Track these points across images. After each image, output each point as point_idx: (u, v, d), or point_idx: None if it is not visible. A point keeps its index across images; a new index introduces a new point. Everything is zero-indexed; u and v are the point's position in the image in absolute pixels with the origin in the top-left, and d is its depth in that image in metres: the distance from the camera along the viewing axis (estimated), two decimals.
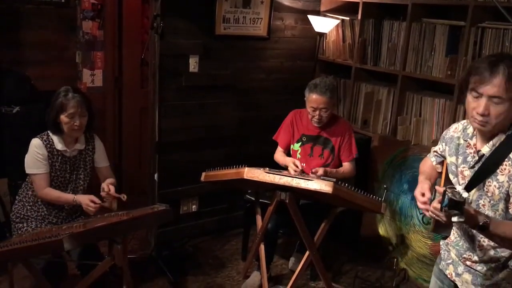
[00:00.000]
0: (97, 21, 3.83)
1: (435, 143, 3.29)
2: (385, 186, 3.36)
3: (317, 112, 3.09)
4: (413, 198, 3.27)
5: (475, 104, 1.67)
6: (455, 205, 1.51)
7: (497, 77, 1.61)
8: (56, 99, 2.59)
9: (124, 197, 2.60)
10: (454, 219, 1.52)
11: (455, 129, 1.91)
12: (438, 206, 1.58)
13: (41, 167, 2.60)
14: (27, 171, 2.62)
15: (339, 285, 3.36)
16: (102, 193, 2.60)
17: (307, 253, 2.94)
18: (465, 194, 1.54)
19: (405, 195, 3.42)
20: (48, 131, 2.65)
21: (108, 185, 2.63)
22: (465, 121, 1.90)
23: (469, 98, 1.70)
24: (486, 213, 1.71)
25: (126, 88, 4.17)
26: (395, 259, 3.45)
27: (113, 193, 2.60)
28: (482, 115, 1.65)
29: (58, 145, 2.63)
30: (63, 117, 2.57)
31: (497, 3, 1.53)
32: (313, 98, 3.07)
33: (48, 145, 2.62)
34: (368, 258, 3.66)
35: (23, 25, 3.47)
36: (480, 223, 1.60)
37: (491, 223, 1.61)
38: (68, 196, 2.62)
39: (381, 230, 3.62)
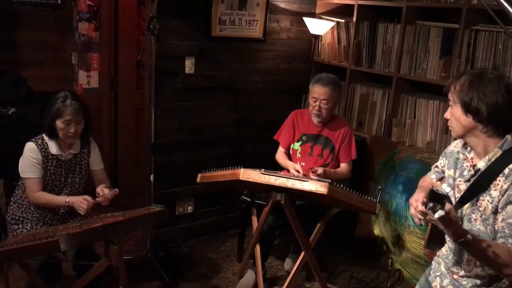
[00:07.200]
0: (93, 23, 3.84)
1: (429, 144, 3.33)
2: (379, 187, 3.38)
3: (317, 103, 3.12)
4: (408, 199, 3.30)
5: None
6: (436, 197, 1.53)
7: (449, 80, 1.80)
8: (54, 104, 2.58)
9: (116, 191, 2.64)
10: (436, 214, 1.52)
11: (456, 144, 1.93)
12: (423, 209, 1.60)
13: (35, 172, 2.59)
14: (21, 174, 2.62)
15: (334, 285, 3.37)
16: (98, 199, 2.61)
17: (302, 254, 2.96)
18: (447, 189, 1.66)
19: (399, 196, 3.45)
20: (43, 135, 2.64)
21: (102, 189, 2.64)
22: None
23: None
24: (477, 228, 1.72)
25: (122, 89, 4.17)
26: (390, 260, 3.47)
27: (108, 195, 2.61)
28: (445, 118, 1.80)
29: (53, 149, 2.63)
30: (59, 123, 2.56)
31: (487, 6, 1.55)
32: (315, 89, 3.13)
33: (43, 149, 2.61)
34: (363, 258, 3.67)
35: (19, 26, 3.48)
36: (463, 238, 1.61)
37: (473, 240, 1.62)
38: (61, 198, 2.61)
39: (376, 231, 3.64)
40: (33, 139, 2.63)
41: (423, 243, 3.26)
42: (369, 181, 3.67)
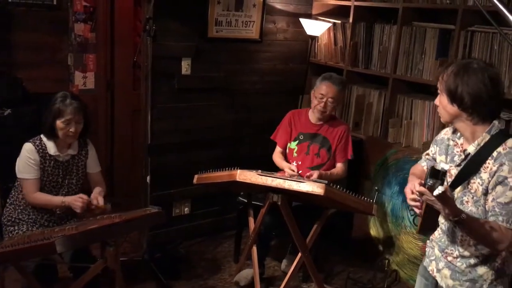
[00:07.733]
0: (89, 24, 3.82)
1: (425, 145, 3.33)
2: (376, 187, 3.38)
3: (324, 100, 3.15)
4: (404, 200, 3.31)
5: None
6: (436, 173, 1.59)
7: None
8: (53, 104, 2.58)
9: (109, 207, 2.65)
10: (436, 191, 1.57)
11: (446, 132, 2.01)
12: (422, 188, 1.65)
13: (32, 172, 2.59)
14: (18, 175, 2.62)
15: (331, 286, 3.38)
16: (92, 207, 2.60)
17: (299, 254, 2.96)
18: (446, 167, 1.72)
19: (396, 196, 3.45)
20: (41, 135, 2.64)
21: (97, 198, 2.63)
22: None
23: None
24: (469, 209, 1.79)
25: (118, 90, 4.16)
26: (387, 261, 3.48)
27: (102, 206, 2.61)
28: (436, 105, 1.89)
29: (51, 149, 2.62)
30: (59, 123, 2.56)
31: (482, 8, 1.56)
32: (324, 86, 3.16)
33: (41, 150, 2.61)
34: (360, 259, 3.68)
35: (15, 27, 3.46)
36: (459, 217, 1.67)
37: (468, 218, 1.69)
38: (57, 199, 2.61)
39: (373, 232, 3.65)
40: (31, 140, 2.62)
41: (419, 243, 3.27)
42: (365, 182, 3.68)
